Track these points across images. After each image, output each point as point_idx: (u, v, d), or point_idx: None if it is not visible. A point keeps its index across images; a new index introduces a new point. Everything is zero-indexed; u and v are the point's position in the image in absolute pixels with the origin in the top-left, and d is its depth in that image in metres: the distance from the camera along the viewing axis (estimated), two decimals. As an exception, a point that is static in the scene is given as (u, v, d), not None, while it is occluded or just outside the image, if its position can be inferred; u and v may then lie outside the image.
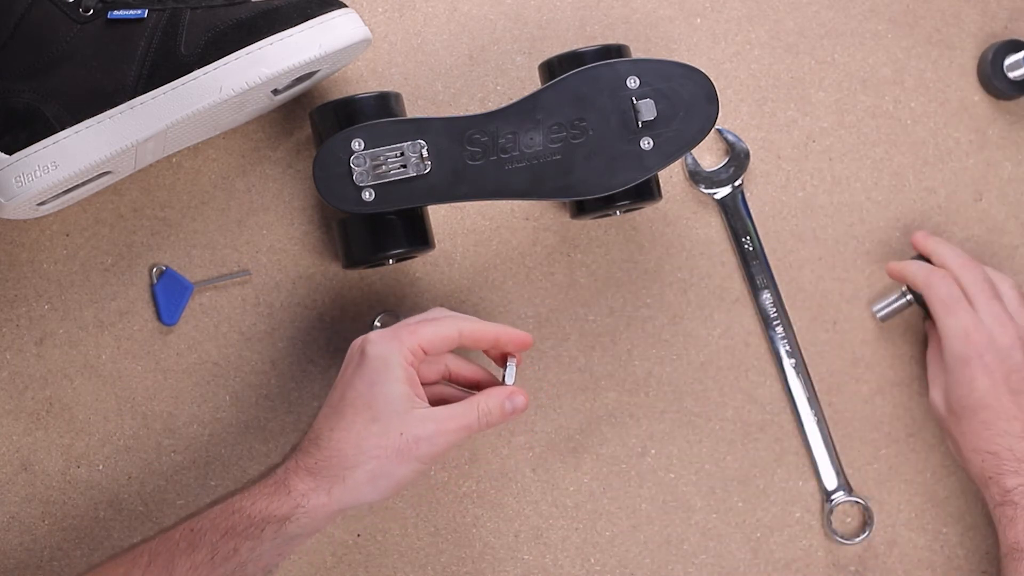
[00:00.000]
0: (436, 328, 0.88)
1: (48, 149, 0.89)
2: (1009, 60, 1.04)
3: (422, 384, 0.89)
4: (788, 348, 1.02)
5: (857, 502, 1.02)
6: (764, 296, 1.02)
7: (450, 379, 0.93)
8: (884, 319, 1.02)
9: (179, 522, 0.86)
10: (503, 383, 0.91)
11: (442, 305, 0.99)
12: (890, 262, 1.02)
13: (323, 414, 0.87)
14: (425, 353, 0.88)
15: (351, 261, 0.96)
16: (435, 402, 0.89)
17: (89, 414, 0.98)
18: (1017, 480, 0.92)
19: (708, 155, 1.04)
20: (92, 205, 0.99)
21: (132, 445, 0.98)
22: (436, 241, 0.99)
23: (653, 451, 1.02)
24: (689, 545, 1.01)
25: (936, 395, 0.97)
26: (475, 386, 0.93)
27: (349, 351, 0.89)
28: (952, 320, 0.95)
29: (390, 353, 0.86)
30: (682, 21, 1.04)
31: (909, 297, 1.01)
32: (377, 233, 0.95)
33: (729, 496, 1.02)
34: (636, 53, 1.01)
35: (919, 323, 1.04)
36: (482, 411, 0.87)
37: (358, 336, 0.89)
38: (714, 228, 1.03)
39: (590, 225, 1.02)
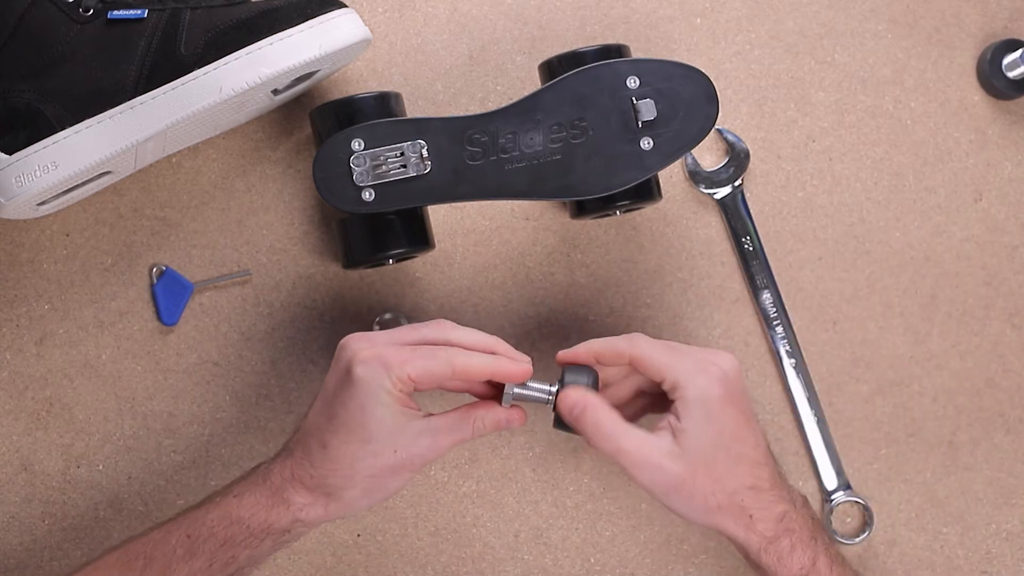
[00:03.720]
0: (427, 364, 0.84)
1: (48, 149, 0.89)
2: (1007, 59, 1.04)
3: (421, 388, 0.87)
4: (788, 348, 1.02)
5: (857, 502, 1.02)
6: (764, 296, 1.02)
7: (454, 375, 0.89)
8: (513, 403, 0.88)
9: (173, 520, 0.86)
10: (502, 404, 0.87)
11: (442, 305, 0.99)
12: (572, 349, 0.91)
13: (314, 424, 0.86)
14: (414, 384, 0.85)
15: (351, 261, 0.96)
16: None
17: (89, 414, 0.98)
18: (783, 506, 0.86)
19: (708, 155, 1.03)
20: (92, 205, 0.99)
21: (132, 445, 0.98)
22: (436, 241, 0.99)
23: (653, 451, 1.01)
24: (689, 545, 1.01)
25: (670, 466, 0.85)
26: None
27: (336, 354, 0.86)
28: (681, 360, 0.87)
29: (378, 381, 0.83)
30: (682, 21, 1.04)
31: (553, 395, 0.88)
32: (377, 233, 0.95)
33: (729, 496, 1.02)
34: (636, 53, 1.01)
35: (919, 323, 1.03)
36: (477, 427, 0.87)
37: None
38: (714, 228, 1.03)
39: (590, 225, 1.02)
